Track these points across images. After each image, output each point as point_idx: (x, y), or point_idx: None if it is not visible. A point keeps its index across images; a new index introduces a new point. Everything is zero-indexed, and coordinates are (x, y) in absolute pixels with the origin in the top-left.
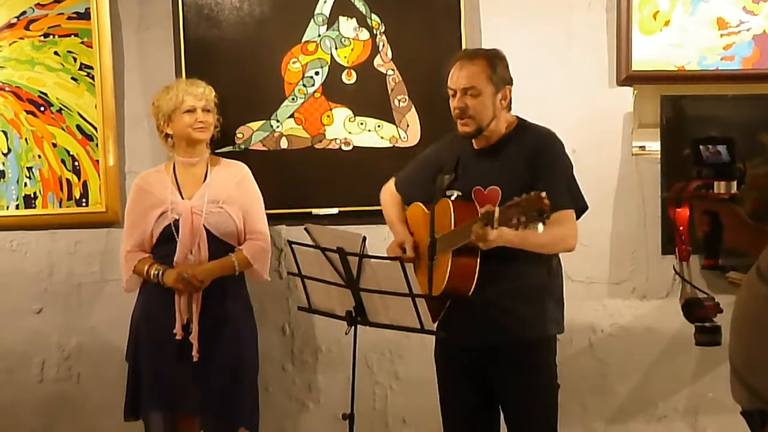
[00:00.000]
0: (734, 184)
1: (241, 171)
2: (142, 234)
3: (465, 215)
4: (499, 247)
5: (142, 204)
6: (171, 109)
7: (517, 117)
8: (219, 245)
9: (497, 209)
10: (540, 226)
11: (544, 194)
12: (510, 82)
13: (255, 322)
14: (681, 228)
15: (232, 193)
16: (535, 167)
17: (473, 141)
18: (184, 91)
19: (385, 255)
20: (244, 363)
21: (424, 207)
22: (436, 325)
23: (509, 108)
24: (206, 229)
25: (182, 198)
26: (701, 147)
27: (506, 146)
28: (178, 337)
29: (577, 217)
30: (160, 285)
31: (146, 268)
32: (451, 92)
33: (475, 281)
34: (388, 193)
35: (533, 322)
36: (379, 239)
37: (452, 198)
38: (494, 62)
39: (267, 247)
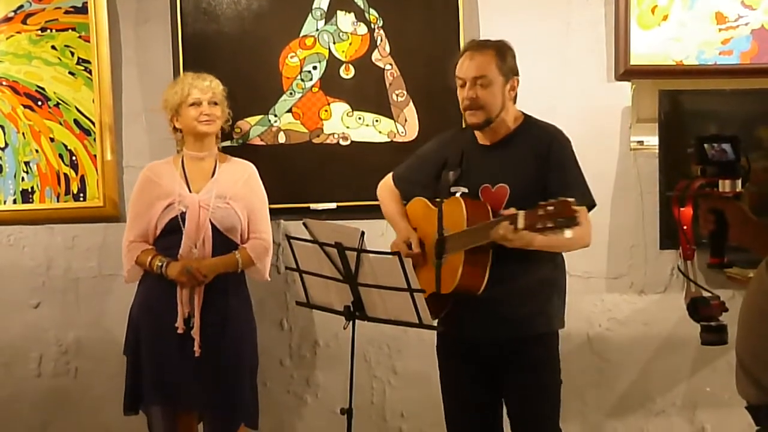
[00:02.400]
0: (739, 182)
1: (249, 170)
2: (147, 225)
3: (478, 214)
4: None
5: (149, 194)
6: (177, 103)
7: (523, 113)
8: (222, 241)
9: (521, 212)
10: (568, 232)
11: (572, 200)
12: (517, 73)
13: (254, 319)
14: (685, 227)
15: (239, 191)
16: (546, 166)
17: (478, 136)
18: (190, 84)
19: (383, 250)
20: (244, 359)
21: (428, 202)
22: (437, 321)
23: (515, 100)
24: (212, 224)
25: (189, 191)
26: (706, 145)
27: (513, 143)
28: (179, 331)
29: None
30: (161, 277)
31: (149, 259)
32: (459, 82)
33: (485, 281)
34: (387, 188)
35: (538, 318)
36: (377, 234)
37: (458, 194)
38: (503, 52)
39: (269, 247)
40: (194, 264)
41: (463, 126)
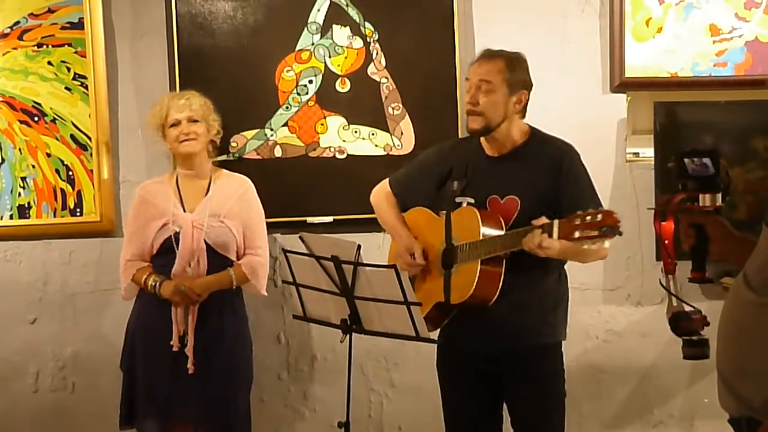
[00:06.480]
0: (719, 196)
1: (244, 185)
2: (143, 244)
3: (491, 225)
4: (517, 256)
5: (144, 214)
6: (159, 125)
7: (530, 126)
8: (218, 258)
9: (556, 221)
10: (607, 243)
11: (614, 212)
12: (529, 86)
13: (250, 336)
14: (666, 242)
15: (233, 208)
16: (559, 180)
17: (485, 147)
18: (167, 105)
19: (380, 263)
20: (238, 376)
21: (431, 212)
22: (438, 331)
23: (524, 114)
24: (206, 242)
25: (184, 210)
26: (686, 160)
27: (524, 156)
28: (174, 349)
29: None
30: (154, 296)
31: (144, 277)
32: (466, 84)
33: (498, 290)
34: (383, 195)
35: (543, 329)
36: (373, 247)
37: (464, 205)
38: (513, 64)
39: (265, 262)
40: (187, 283)
41: (461, 136)
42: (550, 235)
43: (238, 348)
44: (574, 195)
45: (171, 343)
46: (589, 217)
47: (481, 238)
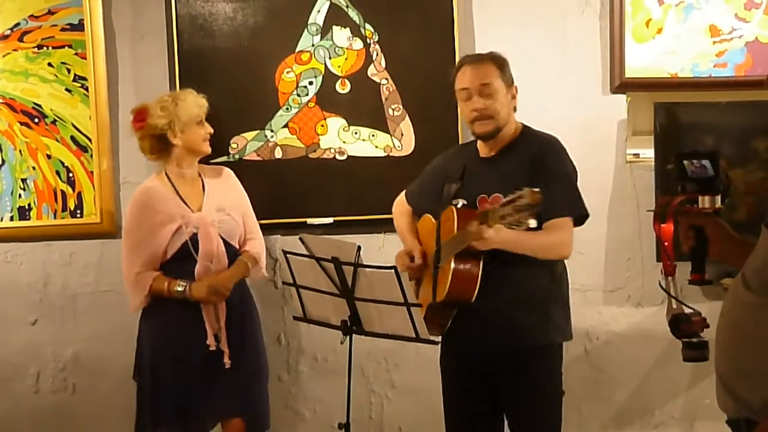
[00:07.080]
0: (718, 198)
1: (230, 175)
2: (153, 252)
3: (468, 222)
4: (502, 254)
5: (149, 221)
6: (186, 121)
7: (523, 124)
8: (230, 251)
9: (490, 208)
10: (532, 221)
11: (536, 189)
12: (513, 82)
13: (260, 321)
14: (666, 243)
15: (232, 200)
16: (536, 173)
17: (480, 149)
18: (194, 103)
19: (380, 264)
20: (263, 363)
21: (431, 218)
22: (441, 335)
23: (515, 110)
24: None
25: (191, 211)
26: (685, 162)
27: (510, 153)
28: (211, 348)
29: (579, 225)
30: (171, 301)
31: (166, 285)
32: (463, 95)
33: (477, 287)
34: (400, 204)
35: (536, 330)
36: (373, 248)
37: (458, 206)
38: (500, 63)
39: (263, 243)
40: (215, 281)
41: (461, 141)
42: (487, 222)
43: (258, 338)
44: (552, 188)
45: (207, 342)
46: (517, 200)
47: (454, 234)
